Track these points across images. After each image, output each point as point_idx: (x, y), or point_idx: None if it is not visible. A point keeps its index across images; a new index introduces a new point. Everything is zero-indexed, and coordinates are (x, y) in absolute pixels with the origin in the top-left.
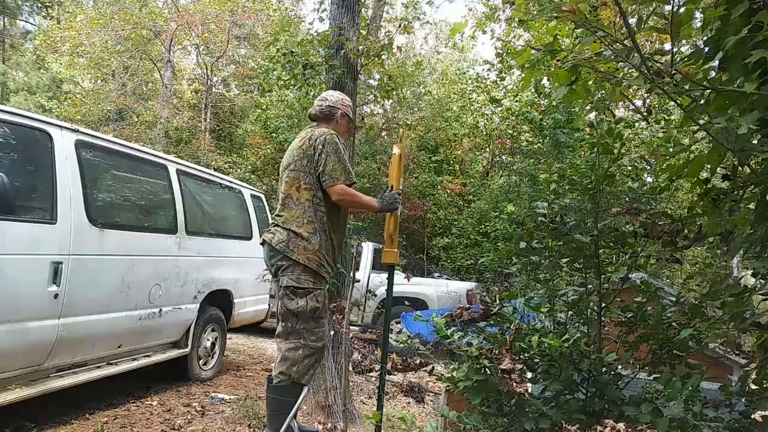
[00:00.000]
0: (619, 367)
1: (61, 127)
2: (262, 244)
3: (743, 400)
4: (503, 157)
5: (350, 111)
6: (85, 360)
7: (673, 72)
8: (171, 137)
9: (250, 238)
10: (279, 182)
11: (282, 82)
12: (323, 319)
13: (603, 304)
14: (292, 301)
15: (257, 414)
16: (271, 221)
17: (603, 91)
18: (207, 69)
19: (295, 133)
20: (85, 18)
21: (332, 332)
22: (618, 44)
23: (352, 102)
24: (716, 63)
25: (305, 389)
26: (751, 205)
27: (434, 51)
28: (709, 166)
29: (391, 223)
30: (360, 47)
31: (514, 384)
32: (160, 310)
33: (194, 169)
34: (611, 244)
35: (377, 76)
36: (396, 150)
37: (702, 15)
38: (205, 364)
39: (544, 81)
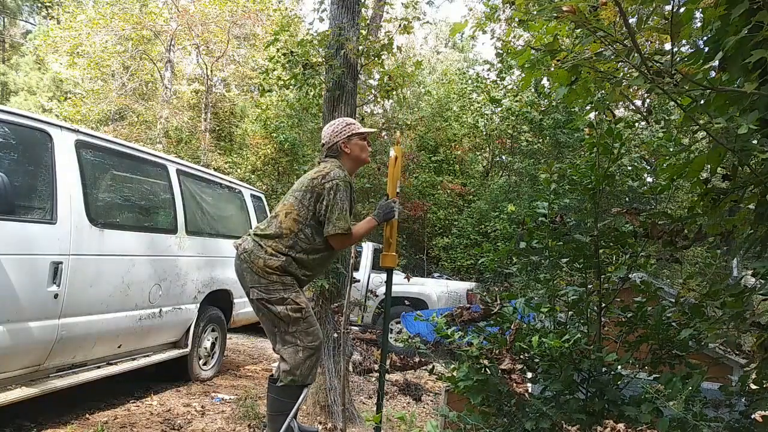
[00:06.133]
0: (619, 367)
1: (61, 127)
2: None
3: (743, 400)
4: (503, 157)
5: (350, 130)
6: (85, 360)
7: (673, 72)
8: (171, 137)
9: None
10: (280, 201)
11: (282, 82)
12: (312, 317)
13: (603, 304)
14: (273, 306)
15: (257, 414)
16: (248, 231)
17: (603, 91)
18: (207, 69)
19: (296, 133)
20: (86, 18)
21: (335, 335)
22: (618, 44)
23: (352, 102)
24: (716, 63)
25: (306, 390)
26: (751, 205)
27: (434, 51)
28: (709, 166)
29: (388, 228)
30: (360, 47)
31: (514, 384)
32: (160, 310)
33: (194, 169)
34: (611, 244)
35: (377, 76)
36: (392, 153)
37: (702, 15)
38: (205, 364)
39: (544, 81)
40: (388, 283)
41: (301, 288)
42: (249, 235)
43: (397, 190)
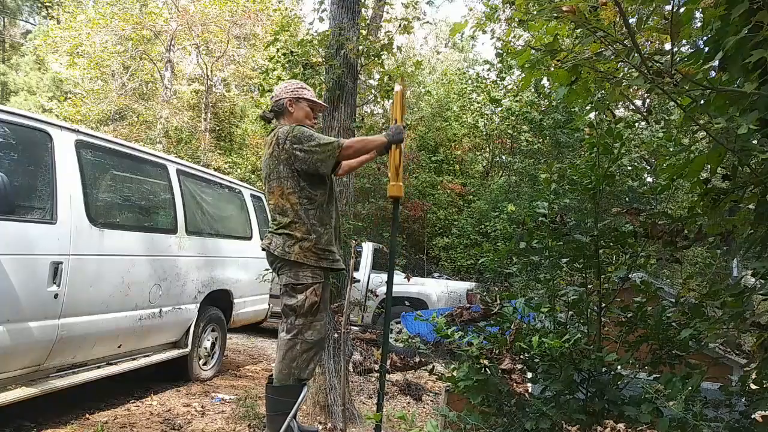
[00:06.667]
0: (619, 367)
1: (61, 127)
2: (263, 250)
3: (743, 400)
4: (503, 157)
5: (300, 93)
6: (85, 360)
7: (673, 72)
8: (171, 137)
9: (250, 238)
10: (265, 194)
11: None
12: (322, 313)
13: (603, 304)
14: (292, 298)
15: (257, 414)
16: (267, 230)
17: (603, 91)
18: (207, 69)
19: None
20: (85, 18)
21: (335, 335)
22: (618, 44)
23: (352, 102)
24: (716, 63)
25: (305, 389)
26: (751, 205)
27: (434, 51)
28: (709, 166)
29: (396, 155)
30: (360, 47)
31: (515, 384)
32: (160, 310)
33: (194, 169)
34: (611, 244)
35: (377, 76)
36: (397, 87)
37: (702, 15)
38: (205, 364)
39: (544, 81)
40: (389, 283)
41: (333, 269)
42: (272, 233)
43: (404, 124)
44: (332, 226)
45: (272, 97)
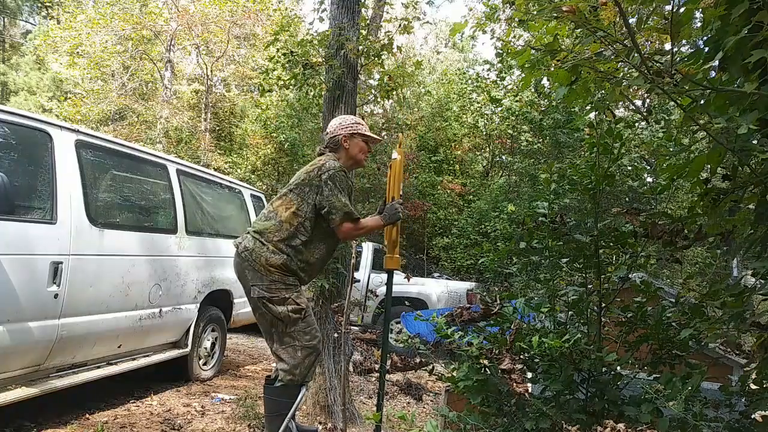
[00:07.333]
0: (619, 367)
1: (61, 127)
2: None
3: (743, 400)
4: (503, 157)
5: (356, 128)
6: (85, 360)
7: (673, 72)
8: (171, 137)
9: None
10: (275, 196)
11: (282, 82)
12: (311, 317)
13: (603, 304)
14: (274, 306)
15: (257, 414)
16: (247, 228)
17: (603, 91)
18: (207, 69)
19: (296, 133)
20: (85, 18)
21: (335, 335)
22: (618, 44)
23: (352, 102)
24: (716, 63)
25: (303, 390)
26: (751, 205)
27: (434, 51)
28: (709, 166)
29: (393, 231)
30: (360, 47)
31: (514, 384)
32: (160, 310)
33: (194, 169)
34: (611, 244)
35: (377, 76)
36: (396, 155)
37: (702, 15)
38: (205, 364)
39: (544, 81)
40: (389, 284)
41: (302, 287)
42: (248, 232)
43: (401, 193)
44: (304, 270)
45: (326, 133)
